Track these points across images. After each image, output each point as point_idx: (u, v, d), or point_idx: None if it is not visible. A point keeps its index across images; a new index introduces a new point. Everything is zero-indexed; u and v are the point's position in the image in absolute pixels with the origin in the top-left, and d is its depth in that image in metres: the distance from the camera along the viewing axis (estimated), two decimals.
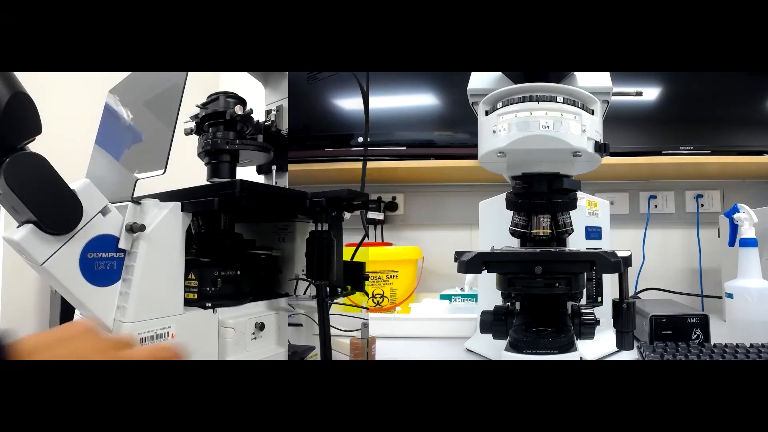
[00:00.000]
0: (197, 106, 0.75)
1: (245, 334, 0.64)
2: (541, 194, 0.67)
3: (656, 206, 1.40)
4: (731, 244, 0.95)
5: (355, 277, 0.74)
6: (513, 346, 0.61)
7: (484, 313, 0.66)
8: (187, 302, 0.60)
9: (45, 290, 1.47)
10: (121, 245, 0.54)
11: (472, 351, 0.86)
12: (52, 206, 0.48)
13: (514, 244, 0.72)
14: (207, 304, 0.62)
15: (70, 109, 1.51)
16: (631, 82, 1.21)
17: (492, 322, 0.65)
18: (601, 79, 0.69)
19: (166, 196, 0.60)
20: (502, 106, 0.65)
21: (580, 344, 0.63)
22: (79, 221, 0.50)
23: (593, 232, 0.88)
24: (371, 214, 0.73)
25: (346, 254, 0.74)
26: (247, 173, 0.74)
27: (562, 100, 0.62)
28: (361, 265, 0.75)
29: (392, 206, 1.45)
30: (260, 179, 0.83)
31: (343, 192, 0.64)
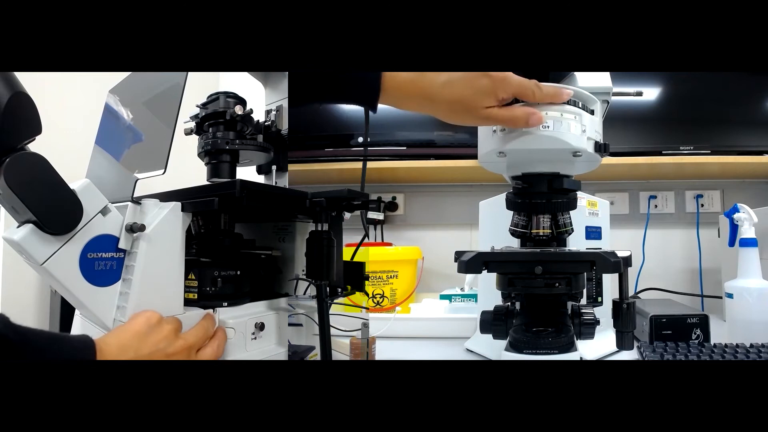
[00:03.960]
0: (197, 106, 0.75)
1: (245, 334, 0.64)
2: (542, 194, 0.67)
3: (656, 206, 1.40)
4: (731, 244, 0.95)
5: (355, 277, 0.74)
6: (513, 346, 0.61)
7: (484, 313, 0.66)
8: (187, 302, 0.60)
9: (45, 290, 1.47)
10: (121, 245, 0.54)
11: (472, 351, 0.86)
12: (52, 206, 0.48)
13: (514, 244, 0.72)
14: (207, 304, 0.62)
15: (70, 109, 1.51)
16: (631, 82, 1.21)
17: (492, 322, 0.65)
18: (601, 79, 0.69)
19: (166, 196, 0.60)
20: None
21: (580, 344, 0.63)
22: (79, 221, 0.50)
23: (593, 232, 0.88)
24: (371, 214, 0.73)
25: (346, 254, 0.74)
26: (247, 173, 0.74)
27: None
28: (361, 265, 0.75)
29: (392, 206, 1.45)
30: (260, 179, 0.83)
31: (343, 192, 0.63)
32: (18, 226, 0.50)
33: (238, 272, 0.66)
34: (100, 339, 0.47)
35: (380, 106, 0.60)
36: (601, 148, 0.65)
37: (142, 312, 0.53)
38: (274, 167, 0.79)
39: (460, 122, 0.62)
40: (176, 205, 0.58)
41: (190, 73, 0.60)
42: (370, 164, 1.20)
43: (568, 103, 0.62)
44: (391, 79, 0.58)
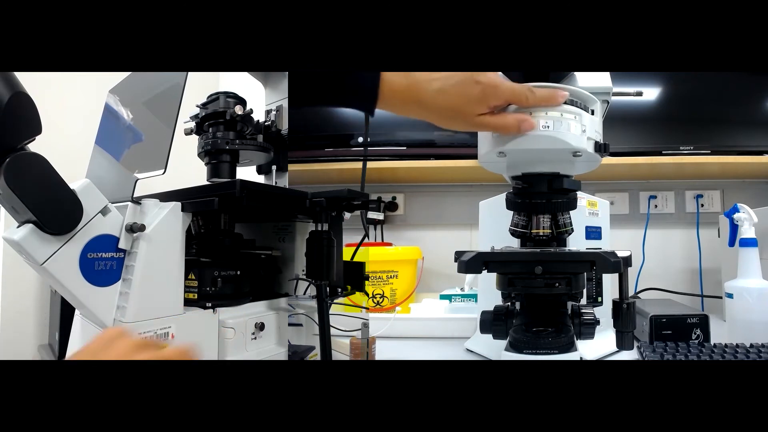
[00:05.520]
0: (197, 106, 0.75)
1: (245, 334, 0.64)
2: (542, 194, 0.67)
3: (656, 206, 1.40)
4: (731, 244, 0.95)
5: (355, 277, 0.74)
6: (513, 346, 0.61)
7: (484, 313, 0.66)
8: (187, 302, 0.60)
9: (45, 290, 1.47)
10: (121, 245, 0.54)
11: (472, 351, 0.86)
12: (52, 206, 0.48)
13: (514, 244, 0.72)
14: (207, 304, 0.62)
15: (70, 109, 1.51)
16: (631, 82, 1.21)
17: (492, 322, 0.65)
18: (601, 79, 0.69)
19: (166, 196, 0.60)
20: None
21: (580, 344, 0.63)
22: (79, 221, 0.50)
23: (593, 232, 0.88)
24: (371, 214, 0.73)
25: (346, 254, 0.74)
26: (247, 173, 0.74)
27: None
28: (361, 265, 0.75)
29: (392, 206, 1.45)
30: (260, 179, 0.83)
31: (343, 192, 0.64)
32: (18, 226, 0.50)
33: (238, 272, 0.66)
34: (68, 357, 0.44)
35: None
36: (601, 148, 0.65)
37: (111, 328, 0.51)
38: (274, 167, 0.79)
39: (454, 128, 0.63)
40: (176, 205, 0.58)
41: (190, 73, 0.60)
42: (370, 164, 1.20)
43: (566, 102, 0.62)
44: (389, 87, 0.58)
